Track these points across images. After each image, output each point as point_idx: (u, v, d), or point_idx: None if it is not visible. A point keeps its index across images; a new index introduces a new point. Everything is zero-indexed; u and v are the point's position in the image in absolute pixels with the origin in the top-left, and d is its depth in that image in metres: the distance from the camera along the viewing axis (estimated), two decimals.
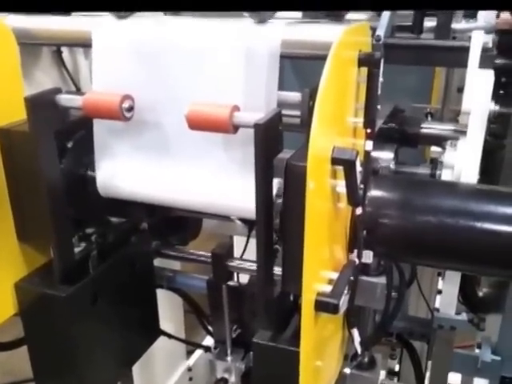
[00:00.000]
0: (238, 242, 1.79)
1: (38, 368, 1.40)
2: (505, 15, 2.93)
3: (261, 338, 1.07)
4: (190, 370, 2.79)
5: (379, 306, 1.33)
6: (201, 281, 1.66)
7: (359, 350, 1.20)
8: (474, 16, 1.48)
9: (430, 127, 1.43)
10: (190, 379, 2.79)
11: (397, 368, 2.22)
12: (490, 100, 1.20)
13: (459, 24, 1.37)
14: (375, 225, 1.10)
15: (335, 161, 0.91)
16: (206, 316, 1.79)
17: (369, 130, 1.05)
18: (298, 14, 1.34)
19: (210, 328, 1.77)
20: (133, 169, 1.28)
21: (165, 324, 1.79)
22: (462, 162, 1.24)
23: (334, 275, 0.99)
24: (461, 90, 1.22)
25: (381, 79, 1.01)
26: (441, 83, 2.21)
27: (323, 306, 0.92)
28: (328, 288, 0.95)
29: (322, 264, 0.98)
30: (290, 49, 1.14)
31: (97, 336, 1.40)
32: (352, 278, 1.04)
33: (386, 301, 1.30)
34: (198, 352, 2.80)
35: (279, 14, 1.18)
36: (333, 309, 0.91)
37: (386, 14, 1.09)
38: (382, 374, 2.06)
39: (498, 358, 1.40)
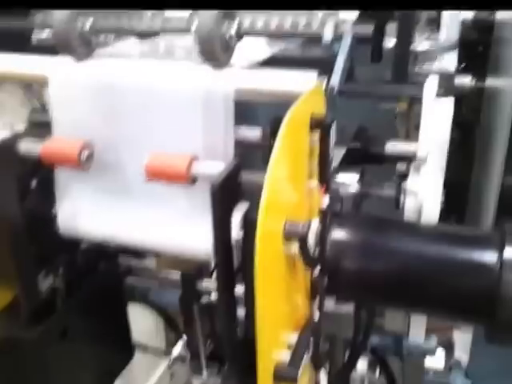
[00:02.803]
0: None
1: None
2: None
3: None
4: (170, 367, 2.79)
5: (348, 333, 1.35)
6: (174, 295, 1.67)
7: None
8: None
9: (394, 145, 1.42)
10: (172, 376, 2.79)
11: None
12: (449, 132, 1.19)
13: (420, 45, 1.36)
14: (337, 270, 1.11)
15: (287, 235, 0.90)
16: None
17: (323, 187, 1.05)
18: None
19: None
20: (94, 211, 1.27)
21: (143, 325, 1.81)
22: (425, 191, 1.25)
23: (294, 337, 1.00)
24: (418, 127, 1.22)
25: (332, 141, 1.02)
26: None
27: (281, 377, 0.92)
28: (286, 354, 0.95)
29: (280, 325, 0.98)
30: (246, 95, 1.13)
31: (69, 367, 1.41)
32: (313, 337, 1.04)
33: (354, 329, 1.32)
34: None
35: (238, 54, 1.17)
36: (291, 381, 0.92)
37: (340, 60, 1.07)
38: None
39: (469, 382, 1.43)
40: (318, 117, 0.98)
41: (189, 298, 1.57)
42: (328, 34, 1.04)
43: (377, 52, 1.25)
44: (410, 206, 1.30)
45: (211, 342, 1.68)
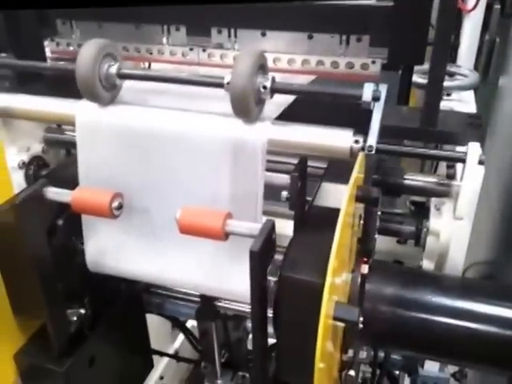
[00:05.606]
0: None
1: None
2: None
3: None
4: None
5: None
6: (190, 308, 1.69)
7: None
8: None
9: (412, 178, 1.42)
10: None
11: None
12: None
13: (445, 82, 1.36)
14: (371, 320, 1.13)
15: (337, 319, 0.91)
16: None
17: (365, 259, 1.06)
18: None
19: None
20: (121, 249, 1.29)
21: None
22: (448, 232, 1.26)
23: None
24: None
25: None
26: None
27: None
28: None
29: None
30: (277, 147, 1.14)
31: None
32: None
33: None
34: None
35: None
36: None
37: (376, 119, 1.06)
38: None
39: None
40: (364, 190, 0.98)
41: (206, 318, 1.60)
42: (367, 96, 1.03)
43: (404, 95, 1.24)
44: (431, 245, 1.32)
45: (226, 351, 1.72)
